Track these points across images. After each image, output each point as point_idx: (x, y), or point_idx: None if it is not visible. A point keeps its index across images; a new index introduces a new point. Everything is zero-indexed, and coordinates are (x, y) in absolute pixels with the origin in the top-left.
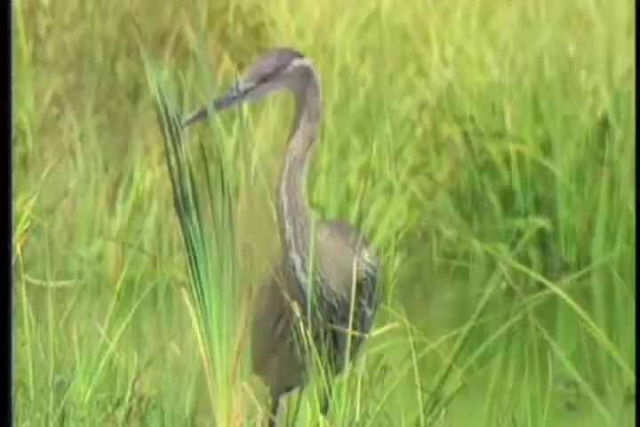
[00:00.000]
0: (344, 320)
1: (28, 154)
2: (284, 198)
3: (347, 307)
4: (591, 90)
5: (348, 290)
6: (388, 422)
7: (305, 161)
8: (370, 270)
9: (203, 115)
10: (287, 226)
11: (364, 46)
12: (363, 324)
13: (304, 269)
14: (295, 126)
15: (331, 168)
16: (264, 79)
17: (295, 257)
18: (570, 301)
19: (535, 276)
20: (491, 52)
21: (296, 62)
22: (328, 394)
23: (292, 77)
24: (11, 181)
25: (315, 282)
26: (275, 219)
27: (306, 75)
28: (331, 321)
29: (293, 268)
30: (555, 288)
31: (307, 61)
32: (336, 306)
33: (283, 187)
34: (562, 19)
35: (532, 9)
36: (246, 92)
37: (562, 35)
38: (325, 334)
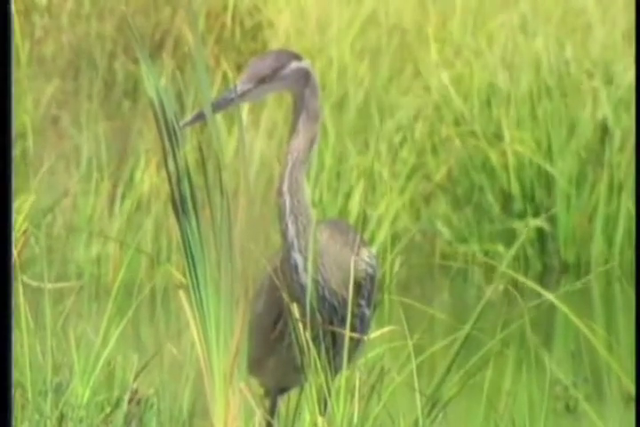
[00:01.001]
0: (344, 321)
1: (28, 154)
2: (287, 198)
3: (347, 307)
4: (591, 92)
5: (349, 290)
6: (386, 424)
7: (307, 161)
8: (369, 270)
9: (201, 117)
10: (289, 226)
11: (362, 47)
12: (362, 324)
13: (306, 269)
14: (295, 128)
15: (328, 170)
16: (261, 81)
17: (298, 257)
18: (567, 311)
19: (532, 285)
20: (489, 54)
21: (294, 64)
22: (327, 395)
23: (289, 79)
24: (11, 182)
25: (316, 282)
26: (277, 219)
27: (304, 77)
28: (331, 321)
29: (296, 268)
30: (551, 297)
31: (305, 63)
32: (337, 306)
33: (285, 187)
34: (561, 22)
35: (531, 12)
36: (244, 93)
37: (561, 38)
38: (325, 336)
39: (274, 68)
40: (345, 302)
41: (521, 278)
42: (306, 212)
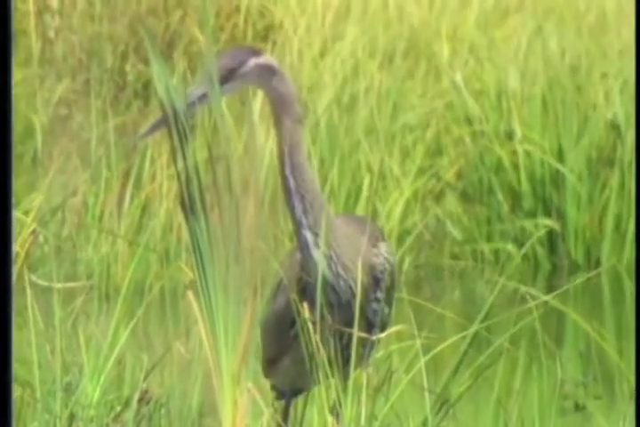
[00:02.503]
0: (363, 314)
1: (37, 154)
2: (291, 180)
3: (364, 291)
4: (602, 92)
5: (366, 275)
6: (395, 423)
7: (301, 141)
8: (387, 265)
9: (161, 124)
10: (296, 204)
11: (375, 47)
12: (380, 321)
13: (317, 244)
14: (276, 116)
15: (338, 168)
16: (219, 83)
17: (307, 234)
18: (576, 316)
19: (531, 291)
20: (502, 53)
21: (252, 61)
22: (340, 394)
23: (250, 76)
24: (11, 182)
25: (329, 257)
26: (284, 200)
27: (266, 71)
28: (349, 314)
29: (306, 244)
30: (556, 303)
31: (264, 59)
32: (352, 285)
33: (287, 171)
34: (574, 21)
35: (545, 11)
36: (202, 97)
37: (574, 37)
38: (342, 335)
39: (229, 69)
40: (362, 285)
41: (523, 287)
42: (312, 189)
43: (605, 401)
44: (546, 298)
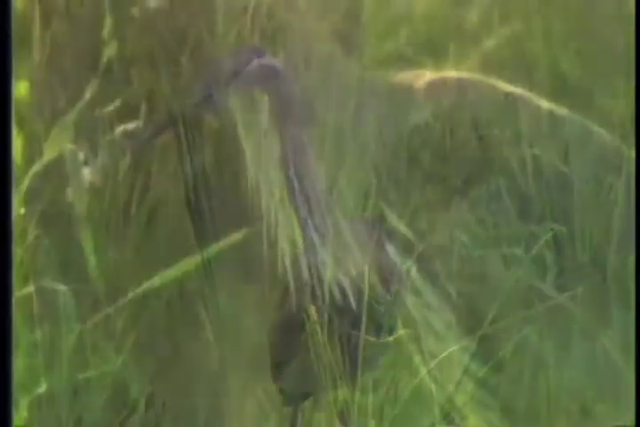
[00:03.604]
0: (369, 316)
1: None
2: (295, 182)
3: (372, 293)
4: (609, 93)
5: (373, 276)
6: None
7: (305, 142)
8: (395, 267)
9: (166, 127)
10: (300, 205)
11: (382, 49)
12: (389, 324)
13: (323, 245)
14: (280, 117)
15: (346, 172)
16: (223, 84)
17: (313, 234)
18: (582, 320)
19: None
20: (507, 55)
21: (256, 62)
22: (348, 398)
23: (255, 77)
24: (11, 183)
25: (335, 257)
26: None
27: (270, 72)
28: (357, 307)
29: (312, 245)
30: (562, 298)
31: (267, 60)
32: (360, 284)
33: (291, 172)
34: (580, 22)
35: (550, 12)
36: (208, 97)
37: (580, 38)
38: (348, 339)
39: (233, 71)
40: (370, 286)
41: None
42: (317, 190)
43: (612, 404)
44: (554, 299)
